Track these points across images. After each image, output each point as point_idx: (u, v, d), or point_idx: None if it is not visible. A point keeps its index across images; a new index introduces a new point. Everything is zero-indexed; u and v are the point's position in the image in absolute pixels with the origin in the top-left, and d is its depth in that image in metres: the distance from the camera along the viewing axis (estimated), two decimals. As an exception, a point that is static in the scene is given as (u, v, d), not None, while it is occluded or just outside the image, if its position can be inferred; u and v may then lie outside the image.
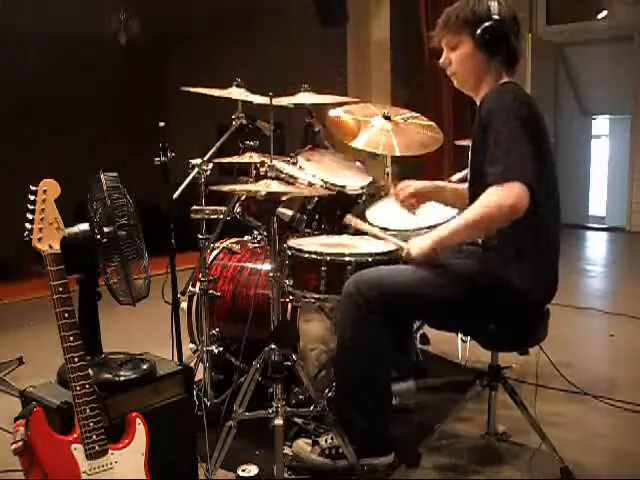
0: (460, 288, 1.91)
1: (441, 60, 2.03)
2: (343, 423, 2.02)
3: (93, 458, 1.48)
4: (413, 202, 2.24)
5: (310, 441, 2.10)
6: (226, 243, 2.79)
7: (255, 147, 2.58)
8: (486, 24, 1.88)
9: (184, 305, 2.67)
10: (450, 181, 2.73)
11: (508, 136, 1.77)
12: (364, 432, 2.01)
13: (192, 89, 2.55)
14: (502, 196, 1.72)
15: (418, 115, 2.91)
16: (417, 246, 1.93)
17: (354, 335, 1.98)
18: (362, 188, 2.59)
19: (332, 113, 2.80)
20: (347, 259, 2.13)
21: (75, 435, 1.48)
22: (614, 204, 7.74)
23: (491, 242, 1.92)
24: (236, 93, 2.52)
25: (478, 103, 1.95)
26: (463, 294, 1.91)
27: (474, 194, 2.01)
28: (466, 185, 2.12)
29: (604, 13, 7.40)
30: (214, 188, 2.08)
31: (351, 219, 2.24)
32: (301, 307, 2.41)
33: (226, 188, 2.06)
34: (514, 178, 1.72)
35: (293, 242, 2.26)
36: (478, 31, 1.89)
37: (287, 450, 2.08)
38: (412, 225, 2.45)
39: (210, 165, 2.46)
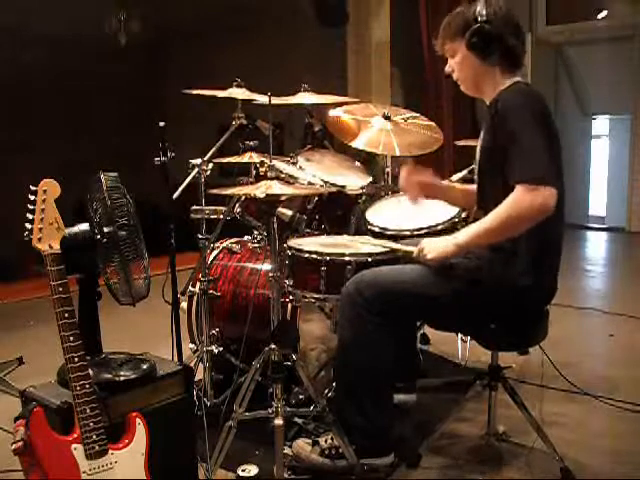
0: (463, 288, 1.91)
1: (446, 68, 2.05)
2: (343, 423, 2.02)
3: (93, 458, 1.48)
4: (418, 191, 2.22)
5: (310, 441, 2.10)
6: (226, 243, 2.79)
7: (255, 147, 2.58)
8: (472, 27, 1.90)
9: (184, 305, 2.67)
10: (450, 181, 2.73)
11: (530, 136, 1.77)
12: (364, 432, 2.01)
13: (193, 91, 2.56)
14: (531, 197, 1.71)
15: (418, 115, 2.92)
16: (434, 249, 1.90)
17: (354, 335, 1.98)
18: (362, 188, 2.59)
19: (332, 113, 2.80)
20: (347, 259, 2.13)
21: (75, 435, 1.48)
22: (614, 204, 7.74)
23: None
24: (236, 93, 2.52)
25: (488, 104, 1.95)
26: (466, 294, 1.91)
27: (483, 194, 2.01)
28: (474, 186, 2.12)
29: (604, 13, 7.40)
30: (214, 191, 2.07)
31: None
32: (301, 307, 2.41)
33: (225, 192, 2.05)
34: (541, 178, 1.72)
35: (293, 242, 2.26)
36: (466, 35, 1.91)
37: (287, 450, 2.08)
38: (412, 225, 2.45)
39: (210, 165, 2.46)
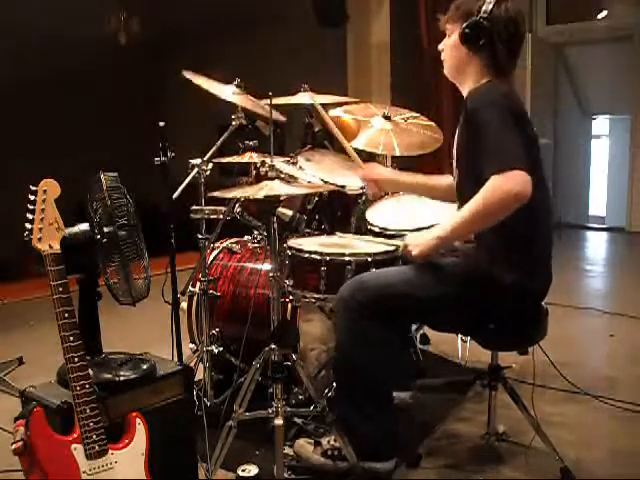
0: (455, 288, 1.90)
1: (439, 45, 2.06)
2: (342, 426, 2.01)
3: (93, 458, 1.48)
4: (374, 187, 2.30)
5: (312, 441, 2.09)
6: (226, 243, 2.79)
7: (255, 147, 2.58)
8: (470, 20, 1.90)
9: (184, 305, 2.67)
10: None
11: (500, 127, 1.76)
12: (365, 436, 2.00)
13: (193, 79, 2.52)
14: (506, 184, 1.70)
15: (418, 115, 2.91)
16: (417, 245, 1.91)
17: (351, 339, 1.98)
18: (362, 188, 2.58)
19: (332, 113, 2.79)
20: (347, 259, 2.13)
21: (75, 435, 1.48)
22: (614, 204, 7.74)
23: (484, 238, 1.91)
24: (236, 97, 2.50)
25: (465, 97, 1.96)
26: (458, 294, 1.90)
27: (461, 189, 2.00)
28: (447, 178, 2.14)
29: (604, 13, 7.40)
30: (215, 194, 2.06)
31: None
32: (301, 307, 2.41)
33: (226, 195, 2.04)
34: (514, 166, 1.70)
35: (293, 242, 2.26)
36: (463, 24, 1.92)
37: (288, 450, 2.08)
38: (412, 225, 2.45)
39: (210, 165, 2.46)
